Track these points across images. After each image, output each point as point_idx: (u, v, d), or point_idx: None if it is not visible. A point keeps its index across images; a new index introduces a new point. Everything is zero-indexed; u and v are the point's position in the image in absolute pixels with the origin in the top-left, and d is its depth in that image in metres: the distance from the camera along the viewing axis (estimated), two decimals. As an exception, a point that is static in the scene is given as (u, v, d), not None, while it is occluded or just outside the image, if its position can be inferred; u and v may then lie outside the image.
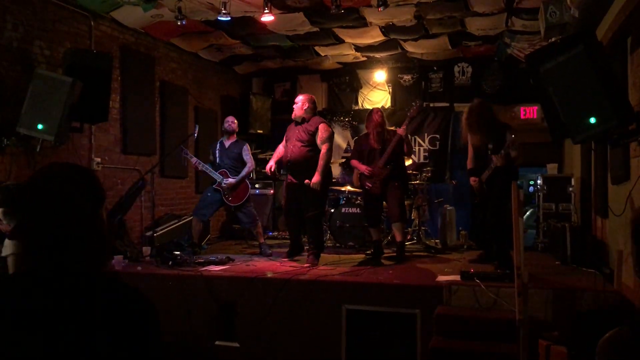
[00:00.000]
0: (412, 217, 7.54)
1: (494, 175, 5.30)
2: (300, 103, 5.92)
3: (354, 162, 6.34)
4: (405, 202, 7.26)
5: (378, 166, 6.06)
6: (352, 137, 9.32)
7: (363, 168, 6.15)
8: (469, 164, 5.71)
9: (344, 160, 9.20)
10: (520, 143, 5.24)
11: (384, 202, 6.31)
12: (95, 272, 1.29)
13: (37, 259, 1.26)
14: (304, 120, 5.91)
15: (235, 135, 6.62)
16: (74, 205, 1.27)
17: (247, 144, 6.68)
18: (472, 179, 5.52)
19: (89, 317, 1.21)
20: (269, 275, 5.12)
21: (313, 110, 5.97)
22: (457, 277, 4.82)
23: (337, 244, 7.13)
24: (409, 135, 6.22)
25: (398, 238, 6.14)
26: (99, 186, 1.35)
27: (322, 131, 5.85)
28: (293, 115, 5.97)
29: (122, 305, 1.26)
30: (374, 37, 7.39)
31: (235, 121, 6.69)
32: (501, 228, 5.25)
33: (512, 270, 5.04)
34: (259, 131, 9.08)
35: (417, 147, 9.04)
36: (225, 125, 6.63)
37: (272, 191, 8.39)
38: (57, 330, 1.18)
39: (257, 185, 8.34)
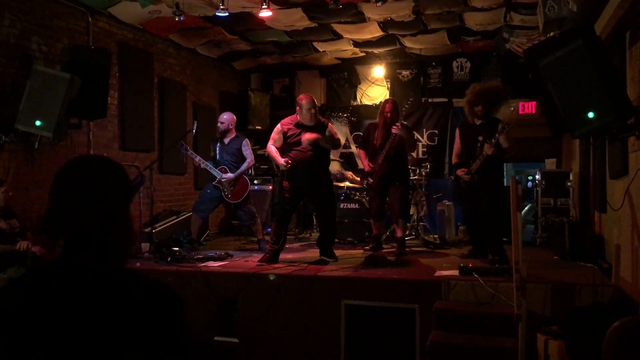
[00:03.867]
0: (411, 213, 7.55)
1: (483, 167, 5.34)
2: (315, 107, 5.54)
3: (361, 154, 6.42)
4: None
5: (377, 162, 6.10)
6: (351, 133, 9.32)
7: (365, 164, 6.25)
8: (454, 159, 5.81)
9: (346, 154, 9.26)
10: (512, 136, 5.32)
11: (387, 198, 6.32)
12: (120, 265, 1.30)
13: (65, 249, 1.27)
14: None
15: (233, 131, 6.55)
16: (105, 198, 1.29)
17: (247, 139, 6.59)
18: (459, 170, 5.57)
19: (115, 310, 1.21)
20: (271, 278, 5.10)
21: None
22: (456, 272, 4.83)
23: (336, 240, 7.12)
24: (408, 131, 6.16)
25: (398, 234, 6.16)
26: (129, 181, 1.38)
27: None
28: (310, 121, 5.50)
29: (148, 298, 1.27)
30: (373, 32, 7.38)
31: (225, 120, 6.44)
32: (495, 219, 5.32)
33: (504, 261, 5.11)
34: (257, 127, 9.06)
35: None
36: (219, 125, 6.49)
37: (270, 187, 8.38)
38: (83, 323, 1.19)
39: (255, 182, 8.34)
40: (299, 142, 5.49)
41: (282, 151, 5.63)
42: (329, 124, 5.83)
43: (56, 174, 1.32)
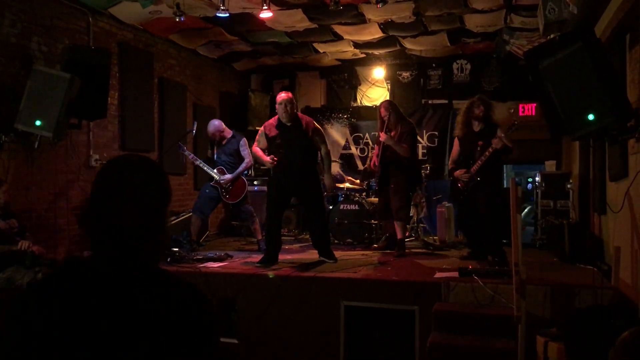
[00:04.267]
0: (411, 214, 7.55)
1: (484, 167, 5.38)
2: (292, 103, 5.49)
3: (375, 150, 6.49)
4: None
5: (377, 164, 6.15)
6: (351, 134, 9.33)
7: (372, 162, 6.36)
8: (451, 164, 5.83)
9: (346, 155, 9.27)
10: (511, 138, 5.31)
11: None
12: (153, 265, 1.31)
13: (101, 246, 1.28)
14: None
15: (228, 132, 6.52)
16: (145, 198, 1.30)
17: (245, 138, 6.58)
18: (458, 171, 5.58)
19: (147, 309, 1.21)
20: (271, 276, 5.10)
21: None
22: (456, 274, 4.83)
23: (336, 241, 7.14)
24: (402, 136, 6.09)
25: (398, 235, 6.17)
26: (169, 185, 1.38)
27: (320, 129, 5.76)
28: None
29: (181, 298, 1.27)
30: (373, 33, 7.38)
31: (212, 130, 6.41)
32: (494, 220, 5.34)
33: (504, 263, 5.12)
34: (257, 128, 9.03)
35: (415, 144, 9.04)
36: (212, 137, 6.48)
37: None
38: (114, 321, 1.19)
39: (255, 182, 8.34)
40: (283, 144, 5.48)
41: (271, 153, 5.60)
42: (317, 127, 5.68)
43: (99, 171, 1.33)
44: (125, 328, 1.18)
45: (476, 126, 5.58)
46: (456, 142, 5.84)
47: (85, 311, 1.19)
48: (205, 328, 1.26)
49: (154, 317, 1.21)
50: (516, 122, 5.29)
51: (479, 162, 5.39)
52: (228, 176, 6.32)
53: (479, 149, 5.44)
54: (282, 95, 5.52)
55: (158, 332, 1.20)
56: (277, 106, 5.53)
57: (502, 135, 5.26)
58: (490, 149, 5.32)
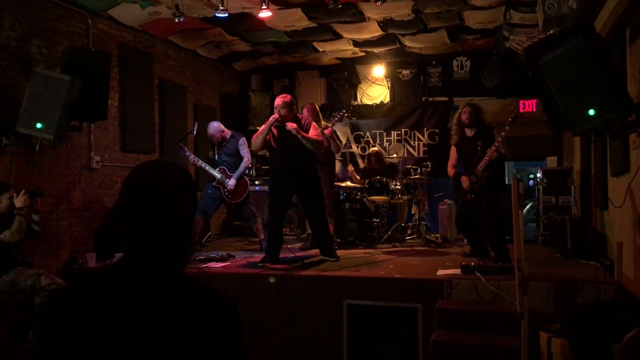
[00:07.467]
0: (413, 212, 7.57)
1: (485, 170, 5.37)
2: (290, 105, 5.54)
3: None
4: (404, 197, 7.25)
5: None
6: (352, 133, 9.33)
7: None
8: (450, 170, 5.77)
9: (346, 154, 9.27)
10: (505, 139, 5.33)
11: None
12: (180, 271, 1.30)
13: (128, 251, 1.28)
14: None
15: (228, 133, 6.57)
16: (172, 204, 1.29)
17: (244, 137, 6.60)
18: (463, 178, 5.54)
19: (174, 315, 1.21)
20: (271, 281, 5.10)
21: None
22: (458, 271, 4.83)
23: (337, 239, 7.13)
24: (323, 133, 6.04)
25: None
26: (196, 190, 1.38)
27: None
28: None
29: (208, 305, 1.26)
30: (372, 32, 7.38)
31: (214, 133, 6.49)
32: (496, 222, 5.32)
33: (506, 259, 5.12)
34: (258, 128, 9.04)
35: (416, 142, 9.05)
36: (213, 139, 6.56)
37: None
38: (141, 326, 1.19)
39: (256, 182, 8.35)
40: (282, 143, 5.48)
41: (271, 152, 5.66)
42: (312, 123, 5.67)
43: (127, 177, 1.32)
44: (153, 335, 1.18)
45: (469, 132, 5.60)
46: (453, 149, 5.84)
47: (113, 318, 1.19)
48: (232, 336, 1.26)
49: (181, 325, 1.20)
50: (519, 114, 5.27)
51: (480, 168, 5.36)
52: (233, 181, 6.33)
53: (479, 149, 5.42)
54: (277, 100, 5.58)
55: (185, 340, 1.19)
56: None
57: (500, 138, 5.24)
58: (486, 158, 5.30)
